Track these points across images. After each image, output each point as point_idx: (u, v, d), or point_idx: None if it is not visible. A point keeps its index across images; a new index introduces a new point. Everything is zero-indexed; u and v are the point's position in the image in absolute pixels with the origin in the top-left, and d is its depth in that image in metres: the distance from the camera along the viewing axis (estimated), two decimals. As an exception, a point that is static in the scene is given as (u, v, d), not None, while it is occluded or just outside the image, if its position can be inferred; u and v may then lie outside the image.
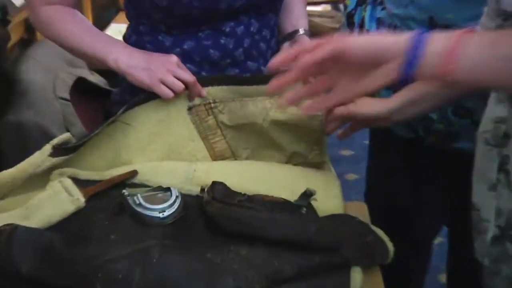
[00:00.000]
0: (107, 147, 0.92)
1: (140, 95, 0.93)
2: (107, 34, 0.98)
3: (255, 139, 0.97)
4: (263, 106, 0.94)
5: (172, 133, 0.94)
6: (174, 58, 0.92)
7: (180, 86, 0.90)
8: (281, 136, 0.96)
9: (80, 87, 1.41)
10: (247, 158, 0.97)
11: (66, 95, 1.33)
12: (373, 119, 0.87)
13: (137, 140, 0.92)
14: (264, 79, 0.94)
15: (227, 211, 0.74)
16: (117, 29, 1.84)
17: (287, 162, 0.98)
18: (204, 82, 0.94)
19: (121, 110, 0.90)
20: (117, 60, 0.91)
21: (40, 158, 0.83)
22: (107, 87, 1.47)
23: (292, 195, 0.83)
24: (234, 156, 0.97)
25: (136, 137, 0.92)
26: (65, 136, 0.86)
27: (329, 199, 0.87)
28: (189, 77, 0.91)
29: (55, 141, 0.85)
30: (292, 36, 1.06)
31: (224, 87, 0.94)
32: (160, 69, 0.90)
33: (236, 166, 0.94)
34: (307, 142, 0.97)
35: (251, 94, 0.95)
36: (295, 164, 0.97)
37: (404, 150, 1.18)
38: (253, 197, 0.81)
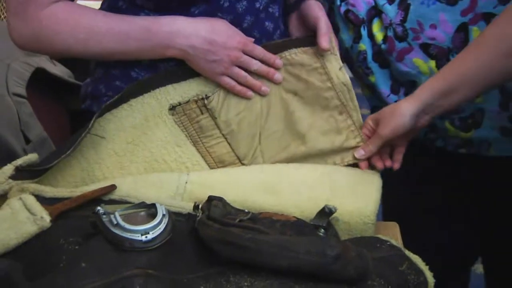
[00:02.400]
0: (76, 165, 0.95)
1: (108, 100, 0.96)
2: (142, 17, 0.97)
3: (263, 126, 1.00)
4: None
5: (152, 139, 0.97)
6: (239, 45, 0.97)
7: (246, 78, 0.99)
8: (290, 108, 1.00)
9: (39, 80, 1.43)
10: (256, 160, 1.00)
11: (22, 90, 1.34)
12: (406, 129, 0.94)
13: (111, 154, 0.96)
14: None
15: (224, 234, 0.76)
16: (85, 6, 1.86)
17: (309, 154, 1.01)
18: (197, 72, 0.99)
19: (92, 121, 0.93)
20: (179, 48, 0.95)
21: None
22: (73, 80, 1.49)
23: (311, 206, 0.86)
24: (240, 161, 1.00)
25: (109, 150, 0.95)
26: (31, 157, 0.90)
27: (358, 217, 0.90)
28: (258, 65, 0.99)
29: (18, 161, 0.89)
30: (298, 4, 1.08)
31: None
32: (224, 62, 0.97)
33: (241, 173, 0.96)
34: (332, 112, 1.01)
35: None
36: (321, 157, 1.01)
37: (420, 155, 1.21)
38: (259, 216, 0.83)
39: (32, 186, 0.87)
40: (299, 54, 1.02)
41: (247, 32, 1.02)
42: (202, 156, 0.99)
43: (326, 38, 1.01)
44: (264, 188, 0.93)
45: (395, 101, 1.08)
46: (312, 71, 1.01)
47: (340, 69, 1.02)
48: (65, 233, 0.79)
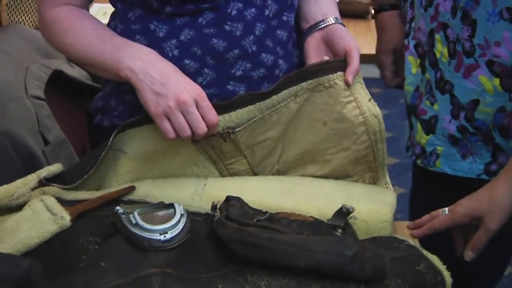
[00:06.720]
0: (97, 173, 0.96)
1: (133, 118, 0.96)
2: (122, 38, 0.98)
3: (285, 149, 1.01)
4: (288, 111, 0.98)
5: (171, 162, 0.98)
6: (193, 93, 0.91)
7: (184, 131, 0.91)
8: (316, 137, 1.00)
9: (57, 82, 1.45)
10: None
11: (40, 93, 1.36)
12: None
13: (130, 169, 0.97)
14: (289, 82, 0.98)
15: (241, 233, 0.77)
16: (101, 10, 1.89)
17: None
18: (228, 107, 0.96)
19: (111, 138, 0.94)
20: (133, 68, 0.92)
21: (22, 189, 0.89)
22: (90, 83, 1.51)
23: (329, 207, 0.87)
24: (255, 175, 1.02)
25: (128, 166, 0.97)
26: (55, 169, 0.92)
27: (375, 215, 0.91)
28: (202, 126, 0.91)
29: (43, 173, 0.91)
30: (320, 25, 1.05)
31: (251, 108, 0.97)
32: (170, 100, 0.90)
33: (258, 179, 0.98)
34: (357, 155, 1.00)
35: (273, 104, 0.98)
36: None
37: None
38: (276, 216, 0.84)
39: (53, 189, 0.89)
40: (337, 82, 0.98)
41: (259, 40, 1.00)
42: (220, 172, 1.00)
43: (355, 73, 0.99)
44: (281, 191, 0.94)
45: (457, 127, 1.09)
46: (346, 103, 0.98)
47: (369, 100, 0.99)
48: (85, 233, 0.81)
